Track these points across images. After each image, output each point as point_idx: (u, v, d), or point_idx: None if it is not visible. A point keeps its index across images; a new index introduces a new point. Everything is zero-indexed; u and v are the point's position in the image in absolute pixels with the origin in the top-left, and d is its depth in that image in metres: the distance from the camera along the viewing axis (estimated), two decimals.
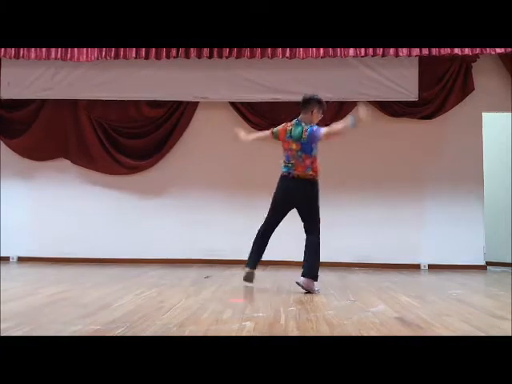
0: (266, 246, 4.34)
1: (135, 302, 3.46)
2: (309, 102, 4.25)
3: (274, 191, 4.30)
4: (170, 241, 6.51)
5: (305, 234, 4.20)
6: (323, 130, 4.12)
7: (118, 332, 2.49)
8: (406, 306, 3.47)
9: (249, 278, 4.31)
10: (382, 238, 6.36)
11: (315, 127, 4.15)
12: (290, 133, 4.20)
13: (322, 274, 5.39)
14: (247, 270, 4.33)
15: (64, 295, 3.74)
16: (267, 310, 3.19)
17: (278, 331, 2.61)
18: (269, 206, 4.36)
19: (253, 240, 4.34)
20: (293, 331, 2.60)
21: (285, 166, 4.22)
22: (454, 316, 3.11)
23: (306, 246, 4.17)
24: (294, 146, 4.16)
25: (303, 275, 4.08)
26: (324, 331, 2.61)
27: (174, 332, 2.53)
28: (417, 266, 6.31)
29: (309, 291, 4.03)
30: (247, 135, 4.55)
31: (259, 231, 4.35)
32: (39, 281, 4.77)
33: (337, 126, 4.08)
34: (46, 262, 6.30)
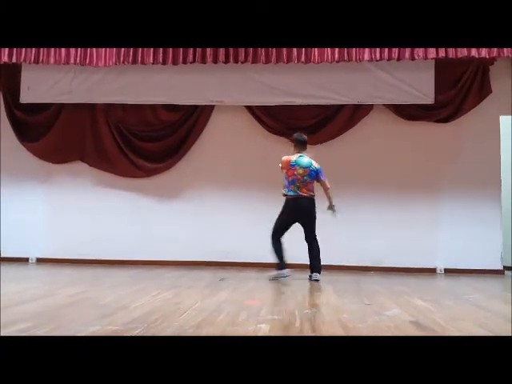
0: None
1: (152, 303, 3.51)
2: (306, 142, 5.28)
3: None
4: (186, 243, 6.57)
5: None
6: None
7: (137, 333, 2.53)
8: (421, 310, 3.46)
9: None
10: (398, 241, 6.33)
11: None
12: (296, 162, 5.11)
13: (337, 278, 5.42)
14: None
15: (83, 296, 3.81)
16: (282, 313, 3.21)
17: (293, 334, 2.64)
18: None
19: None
20: (308, 334, 2.62)
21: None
22: (470, 321, 3.10)
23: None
24: (300, 172, 5.09)
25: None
26: (339, 334, 2.63)
27: (191, 333, 2.57)
28: (433, 270, 6.28)
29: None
30: None
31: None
32: (58, 282, 4.86)
33: (329, 193, 5.23)
34: (65, 264, 6.40)
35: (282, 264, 5.06)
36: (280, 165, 5.21)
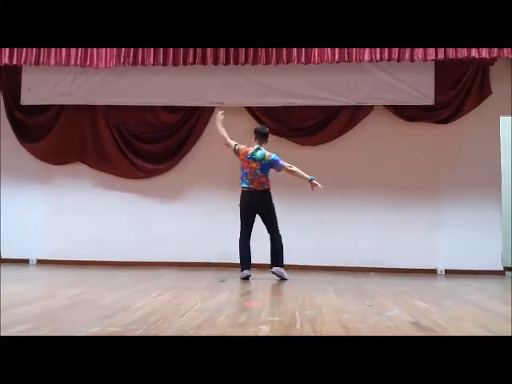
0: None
1: (152, 304, 3.50)
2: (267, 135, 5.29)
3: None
4: (185, 244, 6.56)
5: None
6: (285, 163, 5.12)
7: (137, 334, 2.53)
8: (421, 310, 3.46)
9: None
10: (399, 242, 6.33)
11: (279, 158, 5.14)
12: (252, 155, 5.10)
13: (338, 278, 5.42)
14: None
15: (83, 297, 3.81)
16: (283, 314, 3.21)
17: (294, 335, 2.63)
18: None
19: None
20: (309, 335, 2.61)
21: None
22: (470, 321, 3.09)
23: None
24: (253, 165, 5.09)
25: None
26: (339, 335, 2.62)
27: (192, 334, 2.56)
28: (433, 271, 6.27)
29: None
30: (220, 126, 5.45)
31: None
32: (58, 283, 4.86)
33: (300, 171, 5.12)
34: (65, 265, 6.39)
35: (242, 266, 5.11)
36: (235, 149, 5.26)
